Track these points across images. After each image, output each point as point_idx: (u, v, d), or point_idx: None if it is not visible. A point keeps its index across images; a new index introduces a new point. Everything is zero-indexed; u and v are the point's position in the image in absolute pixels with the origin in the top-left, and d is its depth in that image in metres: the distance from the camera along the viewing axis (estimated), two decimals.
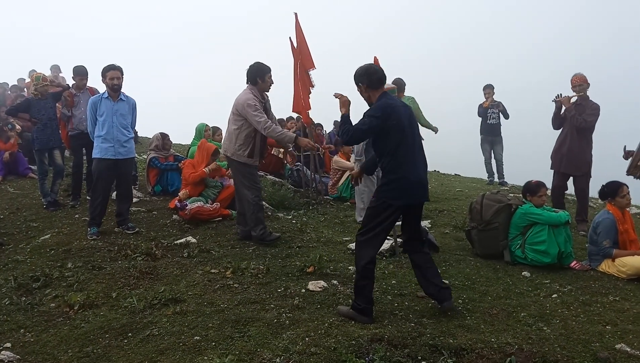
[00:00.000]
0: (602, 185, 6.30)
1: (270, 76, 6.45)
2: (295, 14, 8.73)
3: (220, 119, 10.48)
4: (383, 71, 4.62)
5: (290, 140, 6.38)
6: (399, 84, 9.60)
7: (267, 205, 8.35)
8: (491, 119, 12.13)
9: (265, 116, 6.30)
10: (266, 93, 6.57)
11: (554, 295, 5.12)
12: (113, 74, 6.78)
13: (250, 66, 6.44)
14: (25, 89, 14.22)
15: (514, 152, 13.47)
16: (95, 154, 6.84)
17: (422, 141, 4.81)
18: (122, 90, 6.91)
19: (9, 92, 14.42)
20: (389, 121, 4.32)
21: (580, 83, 7.60)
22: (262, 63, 6.45)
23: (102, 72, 6.87)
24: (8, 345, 4.03)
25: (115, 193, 7.29)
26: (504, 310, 4.69)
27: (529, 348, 3.87)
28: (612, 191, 6.15)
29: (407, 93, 9.60)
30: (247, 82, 6.48)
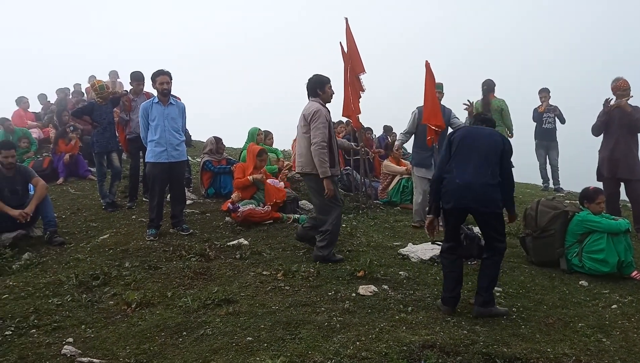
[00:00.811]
0: None
1: (330, 86, 6.19)
2: (346, 18, 8.75)
3: (271, 125, 10.61)
4: None
5: (324, 174, 5.85)
6: (489, 85, 9.65)
7: None
8: (547, 124, 11.81)
9: (327, 135, 5.93)
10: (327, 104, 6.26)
11: (614, 306, 4.95)
12: (162, 79, 6.97)
13: (309, 79, 6.20)
14: (85, 94, 14.79)
15: (570, 158, 13.08)
16: (149, 158, 7.04)
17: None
18: (175, 94, 7.05)
19: (70, 96, 15.02)
20: None
21: (628, 87, 7.43)
22: (320, 75, 6.22)
23: (151, 78, 7.09)
24: (70, 339, 4.19)
25: (169, 195, 7.47)
26: (560, 320, 4.57)
27: (587, 360, 3.77)
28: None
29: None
30: (308, 96, 6.22)
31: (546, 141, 11.90)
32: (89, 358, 3.85)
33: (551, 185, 12.06)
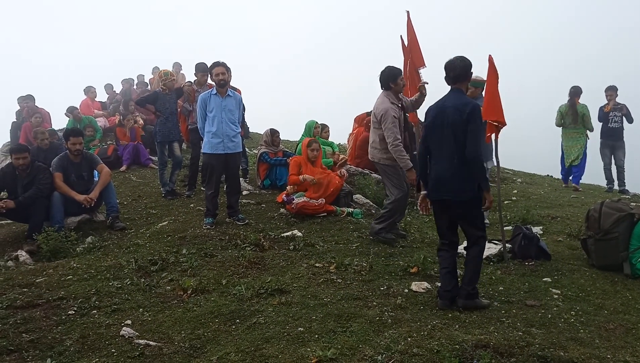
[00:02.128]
0: None
1: (402, 78, 6.58)
2: (407, 12, 8.64)
3: (328, 119, 10.62)
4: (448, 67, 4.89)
5: (405, 167, 6.44)
6: (576, 90, 10.88)
7: (371, 203, 8.38)
8: (613, 123, 11.33)
9: (399, 131, 6.44)
10: (400, 94, 6.70)
11: None
12: (218, 70, 7.07)
13: (381, 72, 6.57)
14: (149, 85, 15.23)
15: (637, 159, 12.53)
16: (206, 149, 7.17)
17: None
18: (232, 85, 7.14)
19: (135, 87, 15.51)
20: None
21: None
22: (392, 67, 6.58)
23: (209, 70, 7.23)
24: (129, 322, 4.35)
25: (225, 185, 7.60)
26: (622, 326, 4.39)
27: None
28: None
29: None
30: (381, 88, 6.62)
31: (612, 140, 11.42)
32: (145, 341, 3.98)
33: (616, 186, 11.58)
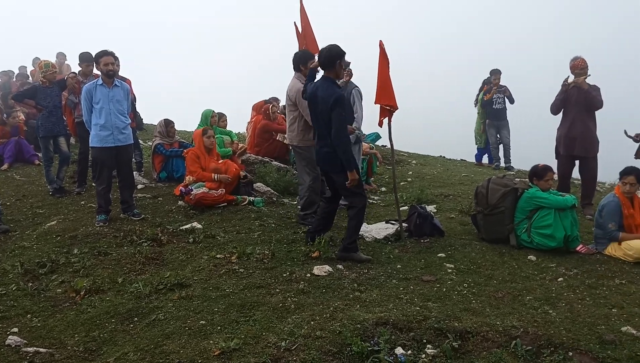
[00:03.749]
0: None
1: (314, 61, 6.53)
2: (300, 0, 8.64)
3: (222, 106, 10.45)
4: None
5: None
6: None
7: (272, 191, 8.36)
8: (497, 104, 12.09)
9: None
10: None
11: (560, 279, 5.11)
12: (107, 60, 6.72)
13: (294, 55, 6.90)
14: (30, 77, 14.24)
15: (519, 138, 13.45)
16: (94, 143, 6.79)
17: None
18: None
19: (14, 79, 14.44)
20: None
21: (585, 65, 7.54)
22: (305, 51, 6.87)
23: (95, 59, 6.87)
24: (15, 329, 4.06)
25: (118, 180, 7.27)
26: (509, 294, 4.69)
27: (535, 331, 3.88)
28: (620, 173, 6.13)
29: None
30: (294, 70, 6.88)
31: (497, 120, 12.20)
32: (35, 348, 3.74)
33: (502, 164, 12.35)
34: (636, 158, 6.76)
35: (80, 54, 8.42)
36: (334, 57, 5.39)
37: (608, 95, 7.58)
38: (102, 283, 4.87)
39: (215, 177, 7.46)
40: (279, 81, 6.99)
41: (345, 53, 5.56)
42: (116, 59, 6.94)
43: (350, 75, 7.85)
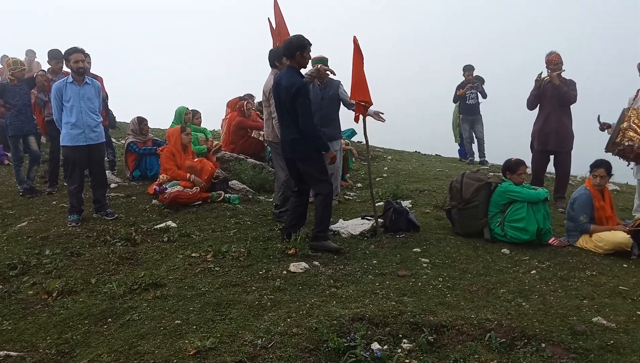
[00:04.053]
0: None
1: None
2: None
3: (196, 104, 10.33)
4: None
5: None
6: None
7: (248, 188, 8.32)
8: (470, 100, 12.21)
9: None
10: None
11: (533, 271, 5.19)
12: (77, 57, 6.58)
13: (270, 51, 6.91)
14: None
15: (493, 133, 13.63)
16: (65, 142, 6.65)
17: None
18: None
19: None
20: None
21: (560, 61, 7.65)
22: (279, 47, 6.72)
23: (64, 56, 6.74)
24: None
25: (90, 179, 7.15)
26: (483, 287, 4.74)
27: (508, 324, 3.93)
28: (591, 166, 6.24)
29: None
30: (270, 66, 6.90)
31: (471, 115, 12.31)
32: (5, 352, 3.66)
33: (477, 158, 12.48)
34: (606, 151, 6.87)
35: (49, 51, 8.25)
36: (294, 48, 5.51)
37: (591, 90, 7.72)
38: (74, 284, 4.79)
39: (191, 178, 7.40)
40: (253, 78, 6.95)
41: (309, 44, 5.64)
42: (86, 56, 6.83)
43: (327, 75, 7.66)
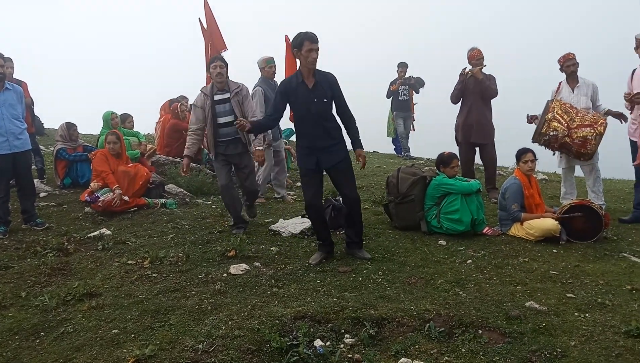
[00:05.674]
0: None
1: (215, 66, 6.23)
2: None
3: (132, 108, 10.09)
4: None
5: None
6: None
7: (185, 192, 8.17)
8: (402, 96, 12.48)
9: (196, 118, 6.43)
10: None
11: (469, 261, 5.34)
12: None
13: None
14: None
15: (423, 126, 13.99)
16: None
17: None
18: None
19: None
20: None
21: (481, 56, 7.93)
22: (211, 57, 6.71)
23: None
24: None
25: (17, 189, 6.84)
26: (422, 279, 4.83)
27: (447, 313, 4.02)
28: (517, 156, 6.49)
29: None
30: None
31: (403, 112, 12.58)
32: None
33: (411, 153, 12.77)
34: (533, 141, 7.16)
35: None
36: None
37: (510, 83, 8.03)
38: (3, 299, 4.56)
39: (117, 191, 7.12)
40: (188, 77, 6.83)
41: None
42: (6, 60, 6.50)
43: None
